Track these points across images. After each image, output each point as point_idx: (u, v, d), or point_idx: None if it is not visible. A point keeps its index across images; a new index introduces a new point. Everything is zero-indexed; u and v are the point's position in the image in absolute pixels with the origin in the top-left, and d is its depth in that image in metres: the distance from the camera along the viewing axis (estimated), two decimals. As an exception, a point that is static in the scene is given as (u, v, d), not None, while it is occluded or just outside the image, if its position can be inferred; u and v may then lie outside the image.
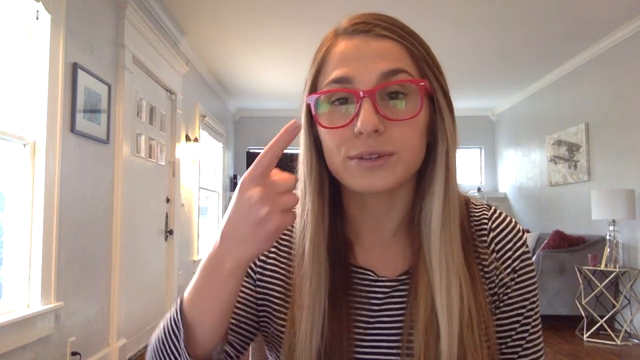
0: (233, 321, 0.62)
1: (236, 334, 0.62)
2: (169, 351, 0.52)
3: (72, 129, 2.41)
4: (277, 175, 0.49)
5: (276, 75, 5.17)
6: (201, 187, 4.96)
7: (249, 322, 0.63)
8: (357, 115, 0.52)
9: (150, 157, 3.54)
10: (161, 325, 0.55)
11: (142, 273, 3.39)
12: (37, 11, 2.20)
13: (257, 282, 0.65)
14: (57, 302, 2.25)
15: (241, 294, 0.64)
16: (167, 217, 3.90)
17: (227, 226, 0.48)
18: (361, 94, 0.52)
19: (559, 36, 4.03)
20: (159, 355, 0.53)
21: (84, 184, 2.54)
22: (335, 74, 0.55)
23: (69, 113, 2.40)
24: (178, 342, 0.51)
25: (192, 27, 3.94)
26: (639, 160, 3.76)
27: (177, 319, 0.52)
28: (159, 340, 0.54)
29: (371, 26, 0.55)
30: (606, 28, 3.88)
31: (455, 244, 0.55)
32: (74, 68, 2.42)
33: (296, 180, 0.50)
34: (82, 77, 2.49)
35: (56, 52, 2.27)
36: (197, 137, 4.66)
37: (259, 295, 0.65)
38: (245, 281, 0.65)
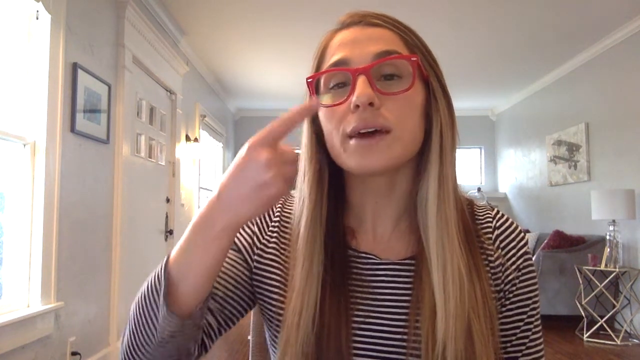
0: (221, 294, 0.62)
1: (222, 307, 0.62)
2: (150, 307, 0.52)
3: (72, 129, 2.41)
4: (283, 147, 0.49)
5: (276, 75, 5.17)
6: (201, 187, 4.97)
7: (236, 302, 0.64)
8: (352, 91, 0.54)
9: (150, 157, 3.54)
10: (145, 283, 0.55)
11: (142, 273, 3.39)
12: (37, 11, 2.20)
13: (254, 270, 0.65)
14: (57, 302, 2.25)
15: (233, 274, 0.64)
16: (167, 217, 3.90)
17: (226, 184, 0.48)
18: (356, 71, 0.55)
19: (559, 36, 4.03)
20: (140, 310, 0.53)
21: (84, 184, 2.54)
22: (333, 59, 0.59)
23: (69, 113, 2.40)
24: (158, 297, 0.51)
25: (192, 27, 3.94)
26: (639, 160, 3.76)
27: (161, 274, 0.51)
28: (141, 295, 0.54)
29: (365, 17, 0.60)
30: (606, 28, 3.88)
31: (451, 225, 0.56)
32: (74, 68, 2.42)
33: (297, 156, 0.51)
34: (82, 77, 2.49)
35: (56, 52, 2.27)
36: (197, 137, 4.66)
37: (255, 284, 0.65)
38: (239, 263, 0.65)
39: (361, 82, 0.54)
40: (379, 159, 0.55)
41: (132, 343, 0.54)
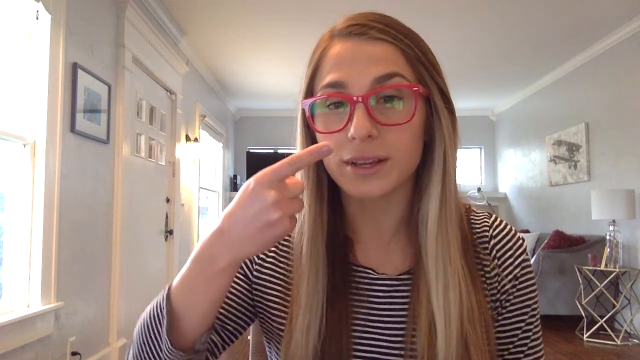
0: (223, 311, 0.63)
1: (224, 324, 0.63)
2: (152, 337, 0.52)
3: (72, 129, 2.41)
4: (290, 179, 0.48)
5: (276, 75, 5.17)
6: (201, 187, 4.96)
7: (239, 317, 0.64)
8: (350, 120, 0.53)
9: (150, 157, 3.54)
10: (148, 308, 0.54)
11: (142, 273, 3.39)
12: (37, 11, 2.20)
13: (254, 284, 0.65)
14: (57, 302, 2.25)
15: (234, 290, 0.64)
16: (167, 217, 3.90)
17: (231, 222, 0.47)
18: (355, 99, 0.52)
19: (559, 36, 4.03)
20: (143, 340, 0.53)
21: (84, 184, 2.54)
22: (329, 78, 0.55)
23: (69, 113, 2.40)
24: (161, 330, 0.51)
25: (192, 27, 3.94)
26: (639, 160, 3.76)
27: (163, 307, 0.51)
28: (144, 324, 0.54)
29: (366, 28, 0.55)
30: (606, 28, 3.88)
31: (453, 245, 0.55)
32: (74, 68, 2.42)
33: (303, 187, 0.50)
34: (82, 77, 2.49)
35: (56, 52, 2.27)
36: (197, 137, 4.66)
37: (255, 297, 0.65)
38: (240, 279, 0.65)
39: (359, 113, 0.52)
40: (377, 186, 0.54)
41: None
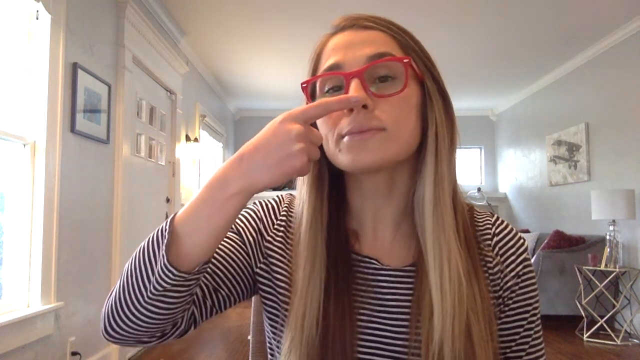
0: (220, 274, 0.62)
1: (219, 287, 0.62)
2: (147, 259, 0.50)
3: (72, 129, 2.41)
4: (313, 128, 0.51)
5: (276, 75, 5.17)
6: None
7: (233, 286, 0.63)
8: (346, 94, 0.55)
9: (150, 157, 3.54)
10: (144, 241, 0.53)
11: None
12: (37, 11, 2.20)
13: (260, 266, 0.65)
14: (57, 302, 2.25)
15: (234, 257, 0.64)
16: (167, 217, 3.90)
17: (252, 149, 0.49)
18: (349, 74, 0.55)
19: (559, 36, 4.03)
20: (136, 263, 0.51)
21: (84, 184, 2.54)
22: (327, 63, 0.59)
23: (69, 113, 2.40)
24: (158, 250, 0.49)
25: (192, 27, 3.94)
26: (639, 160, 3.76)
27: (165, 228, 0.50)
28: (139, 249, 0.52)
29: (359, 20, 0.60)
30: (606, 28, 3.88)
31: (448, 225, 0.56)
32: (74, 68, 2.42)
33: (322, 139, 0.53)
34: (82, 77, 2.49)
35: (56, 52, 2.27)
36: (197, 137, 4.66)
37: (260, 279, 0.65)
38: (242, 249, 0.65)
39: (354, 86, 0.54)
40: (372, 155, 0.55)
41: (120, 298, 0.51)
